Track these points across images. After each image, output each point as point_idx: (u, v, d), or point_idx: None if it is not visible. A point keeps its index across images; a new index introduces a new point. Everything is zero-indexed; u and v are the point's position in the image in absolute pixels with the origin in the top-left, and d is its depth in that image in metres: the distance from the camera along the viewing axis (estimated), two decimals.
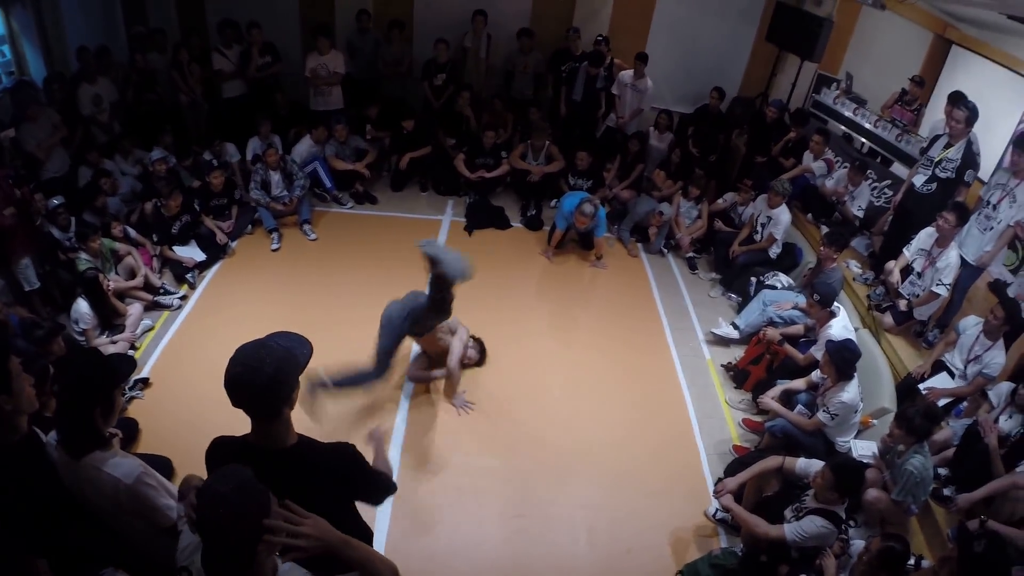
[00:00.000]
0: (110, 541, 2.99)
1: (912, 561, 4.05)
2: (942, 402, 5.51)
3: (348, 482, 2.62)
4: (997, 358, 5.38)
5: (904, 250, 6.51)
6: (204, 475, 2.51)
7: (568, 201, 7.88)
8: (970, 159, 6.35)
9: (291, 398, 2.40)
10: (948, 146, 6.42)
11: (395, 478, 4.94)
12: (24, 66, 8.01)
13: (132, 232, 7.03)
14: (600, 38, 9.62)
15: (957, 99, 6.48)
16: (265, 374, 2.26)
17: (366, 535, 2.95)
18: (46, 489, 2.82)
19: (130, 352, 6.02)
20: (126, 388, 5.54)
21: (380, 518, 4.75)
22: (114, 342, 5.98)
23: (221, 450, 2.53)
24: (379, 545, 4.54)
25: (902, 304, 6.37)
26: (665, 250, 8.71)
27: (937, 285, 6.07)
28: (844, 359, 4.96)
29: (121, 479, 2.75)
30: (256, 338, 2.43)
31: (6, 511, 2.72)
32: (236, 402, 2.32)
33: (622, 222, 8.84)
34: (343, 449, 2.61)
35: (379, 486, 2.84)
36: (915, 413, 4.43)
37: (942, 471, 5.05)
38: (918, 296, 6.30)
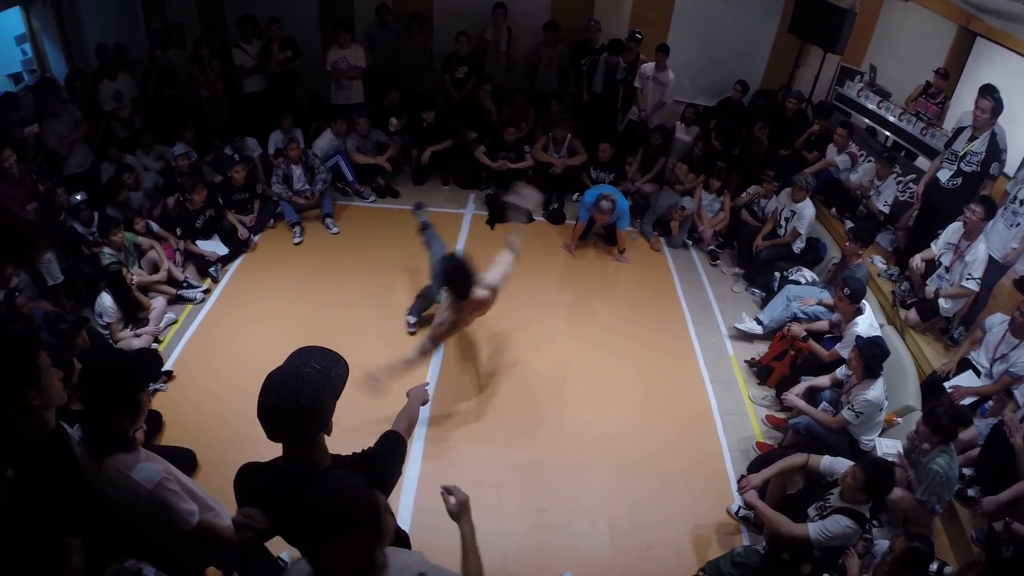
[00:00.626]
0: (132, 535, 3.01)
1: (935, 567, 4.01)
2: (967, 401, 5.45)
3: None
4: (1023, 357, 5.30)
5: (931, 245, 6.44)
6: (228, 477, 2.50)
7: (591, 194, 7.85)
8: (995, 151, 6.25)
9: (328, 424, 2.32)
10: (972, 139, 6.34)
11: (416, 472, 5.07)
12: (46, 64, 8.08)
13: (155, 227, 7.08)
14: (638, 35, 9.50)
15: (984, 90, 6.38)
16: (302, 406, 2.17)
17: (400, 538, 2.95)
18: (71, 483, 2.83)
19: (154, 345, 6.09)
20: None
21: (403, 511, 4.79)
22: (138, 335, 6.05)
23: (251, 478, 2.47)
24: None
25: (928, 292, 6.29)
26: (688, 242, 8.69)
27: (967, 280, 5.99)
28: (874, 356, 4.91)
29: (142, 483, 2.74)
30: (291, 351, 2.37)
31: (35, 501, 2.75)
32: (272, 435, 2.23)
33: (644, 216, 8.80)
34: (371, 460, 2.53)
35: (396, 474, 2.70)
36: (943, 413, 4.39)
37: (967, 471, 5.00)
38: (946, 291, 6.22)
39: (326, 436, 2.39)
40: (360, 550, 1.99)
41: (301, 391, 2.17)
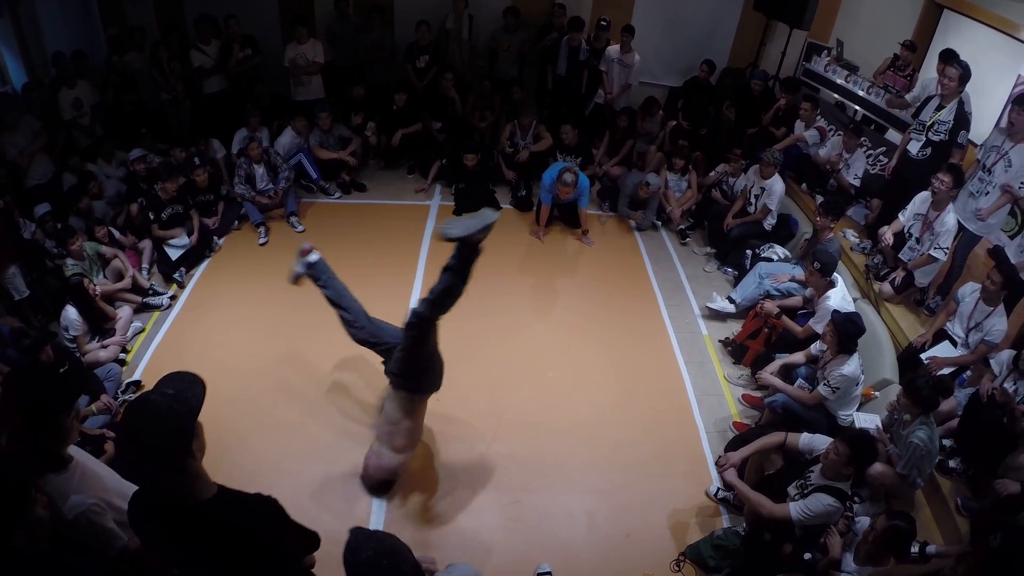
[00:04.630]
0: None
1: (916, 549, 3.98)
2: (945, 371, 5.42)
3: (268, 537, 2.46)
4: (998, 325, 5.29)
5: (899, 215, 6.42)
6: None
7: (548, 174, 7.78)
8: (962, 120, 6.26)
9: (189, 449, 2.22)
10: (940, 108, 6.33)
11: None
12: (5, 75, 7.94)
13: (116, 233, 6.97)
14: (603, 22, 9.39)
15: (950, 57, 6.36)
16: (144, 444, 2.12)
17: None
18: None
19: (122, 355, 5.97)
20: (119, 392, 5.50)
21: (375, 510, 4.73)
22: (105, 346, 5.92)
23: (138, 505, 2.37)
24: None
25: (899, 272, 6.27)
26: (658, 223, 8.63)
27: (935, 249, 5.99)
28: (849, 332, 4.88)
29: (64, 511, 2.73)
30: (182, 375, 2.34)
31: None
32: (133, 471, 2.23)
33: (618, 199, 8.70)
34: (264, 503, 2.45)
35: (300, 542, 2.66)
36: (924, 383, 4.38)
37: (947, 442, 4.98)
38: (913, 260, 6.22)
39: (199, 460, 2.31)
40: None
41: (143, 428, 2.13)
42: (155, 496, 2.30)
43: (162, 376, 2.31)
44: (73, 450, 2.93)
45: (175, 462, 2.18)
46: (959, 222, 6.07)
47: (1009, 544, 3.04)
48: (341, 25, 9.35)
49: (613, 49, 9.26)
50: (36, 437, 2.73)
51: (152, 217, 7.07)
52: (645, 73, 9.70)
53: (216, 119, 8.90)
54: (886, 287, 6.38)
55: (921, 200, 6.21)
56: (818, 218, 6.58)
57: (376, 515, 4.69)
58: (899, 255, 6.41)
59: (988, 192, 5.95)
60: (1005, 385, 4.81)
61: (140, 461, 2.17)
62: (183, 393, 2.23)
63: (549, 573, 4.36)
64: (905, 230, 6.38)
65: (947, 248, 5.99)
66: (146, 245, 7.11)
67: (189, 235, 7.25)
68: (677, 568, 4.47)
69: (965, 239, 6.21)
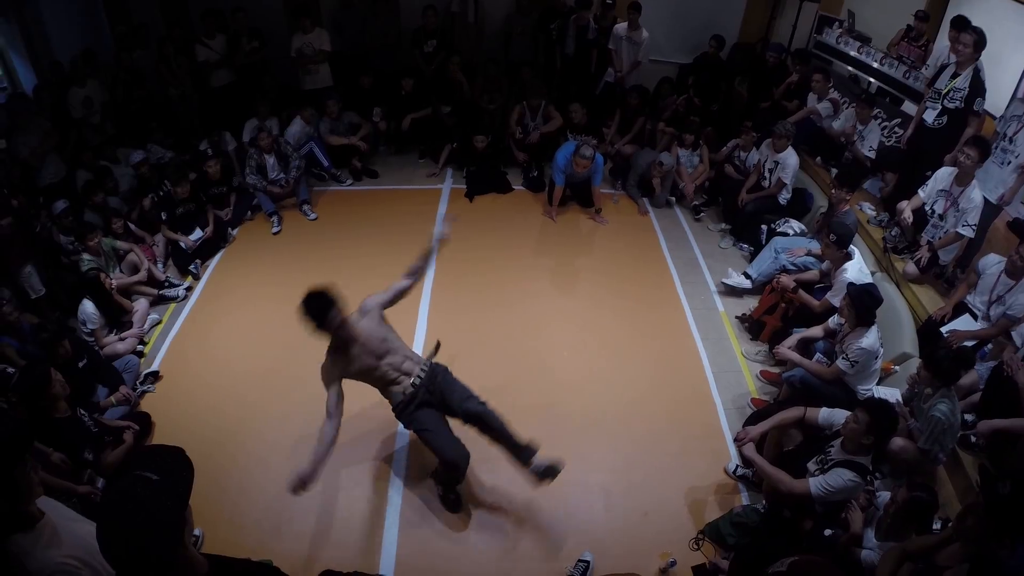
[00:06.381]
0: None
1: (939, 525, 3.93)
2: (966, 344, 5.34)
3: None
4: (1021, 299, 5.15)
5: (919, 191, 6.31)
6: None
7: (561, 154, 7.74)
8: (978, 86, 6.15)
9: (180, 539, 1.92)
10: (955, 75, 6.22)
11: (404, 450, 5.03)
12: (15, 79, 8.08)
13: (132, 226, 7.03)
14: (609, 0, 9.35)
15: (964, 24, 6.23)
16: (134, 545, 1.80)
17: None
18: None
19: (140, 348, 6.02)
20: (137, 383, 5.58)
21: (392, 493, 4.75)
22: (123, 339, 5.98)
23: None
24: (391, 524, 4.55)
25: (924, 252, 6.17)
26: (672, 199, 8.58)
27: (963, 227, 5.88)
28: (865, 305, 4.80)
29: (34, 573, 2.48)
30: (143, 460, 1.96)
31: None
32: (118, 571, 1.89)
33: (628, 178, 8.66)
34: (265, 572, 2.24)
35: None
36: (945, 355, 4.29)
37: (968, 417, 4.89)
38: (940, 239, 6.12)
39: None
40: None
41: (128, 537, 1.80)
42: None
43: (143, 450, 2.07)
44: (46, 504, 2.61)
45: (162, 561, 1.89)
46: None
47: (1018, 492, 2.98)
48: (346, 14, 9.33)
49: (621, 27, 9.16)
50: None
51: (164, 217, 7.11)
52: (654, 50, 9.58)
53: (224, 112, 8.91)
54: (911, 267, 6.25)
55: (943, 176, 6.09)
56: (833, 190, 6.50)
57: (393, 500, 4.71)
58: (922, 233, 6.31)
59: (1011, 162, 5.85)
60: None
61: (124, 563, 1.86)
62: (169, 479, 1.91)
63: (588, 562, 4.32)
64: (927, 207, 6.25)
65: (975, 225, 5.86)
66: (160, 239, 7.16)
67: (203, 228, 7.27)
68: (696, 547, 4.41)
69: (985, 211, 6.07)
